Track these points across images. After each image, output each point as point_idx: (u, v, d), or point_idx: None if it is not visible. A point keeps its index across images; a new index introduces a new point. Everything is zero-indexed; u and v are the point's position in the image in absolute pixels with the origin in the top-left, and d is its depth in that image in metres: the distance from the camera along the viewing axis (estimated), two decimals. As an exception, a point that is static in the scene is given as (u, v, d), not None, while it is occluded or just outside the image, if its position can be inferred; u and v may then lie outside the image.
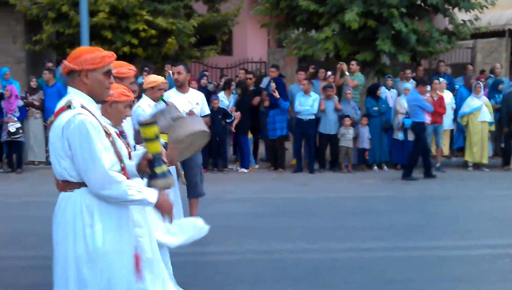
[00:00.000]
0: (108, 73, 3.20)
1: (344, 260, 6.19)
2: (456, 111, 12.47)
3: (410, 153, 11.21)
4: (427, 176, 10.99)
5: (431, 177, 11.00)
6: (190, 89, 7.12)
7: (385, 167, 12.02)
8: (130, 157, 3.51)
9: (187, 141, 5.26)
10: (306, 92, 11.37)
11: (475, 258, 6.30)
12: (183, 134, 5.21)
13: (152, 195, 3.25)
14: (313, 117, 11.42)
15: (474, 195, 9.85)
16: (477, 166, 12.08)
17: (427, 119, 11.29)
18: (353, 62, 12.29)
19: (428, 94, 11.37)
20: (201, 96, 7.11)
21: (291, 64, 15.90)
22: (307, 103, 11.35)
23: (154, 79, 6.04)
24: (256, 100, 12.03)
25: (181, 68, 6.88)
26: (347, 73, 12.11)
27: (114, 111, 3.95)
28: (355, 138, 11.65)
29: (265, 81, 13.15)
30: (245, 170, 11.70)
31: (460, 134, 12.58)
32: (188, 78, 7.02)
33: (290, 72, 15.13)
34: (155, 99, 5.96)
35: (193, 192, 7.06)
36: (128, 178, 3.23)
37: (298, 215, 8.28)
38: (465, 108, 12.03)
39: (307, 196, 9.60)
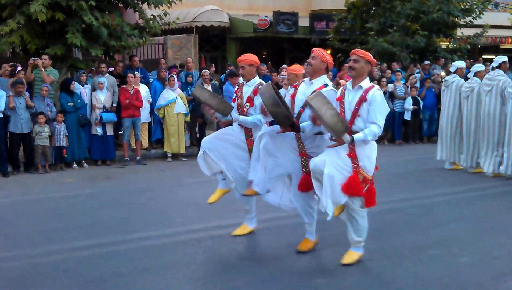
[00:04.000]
0: None
1: (48, 264, 5.74)
2: (152, 104, 12.69)
3: None
4: None
5: None
6: None
7: (85, 164, 11.62)
8: None
9: None
10: (-10, 90, 10.37)
11: (181, 244, 6.40)
12: None
13: None
14: (1, 115, 10.44)
15: (175, 184, 10.09)
16: (176, 156, 12.45)
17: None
18: (45, 57, 11.58)
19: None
20: None
21: (-26, 60, 14.35)
22: (-7, 101, 10.34)
23: None
24: None
25: None
26: (42, 68, 11.37)
27: None
28: (51, 136, 11.00)
29: None
30: None
31: (157, 126, 12.83)
32: None
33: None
34: None
35: None
36: None
37: (-9, 223, 7.46)
38: (161, 101, 12.31)
39: (1, 201, 8.72)
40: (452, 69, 11.39)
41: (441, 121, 11.30)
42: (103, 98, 11.83)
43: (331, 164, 5.31)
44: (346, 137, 5.26)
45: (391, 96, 15.01)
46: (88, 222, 7.39)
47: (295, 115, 5.89)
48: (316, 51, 5.95)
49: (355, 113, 5.41)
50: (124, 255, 6.03)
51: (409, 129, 15.44)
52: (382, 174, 10.70)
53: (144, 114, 12.41)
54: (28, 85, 11.34)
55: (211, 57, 20.85)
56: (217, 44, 22.15)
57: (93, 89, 12.07)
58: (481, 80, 10.50)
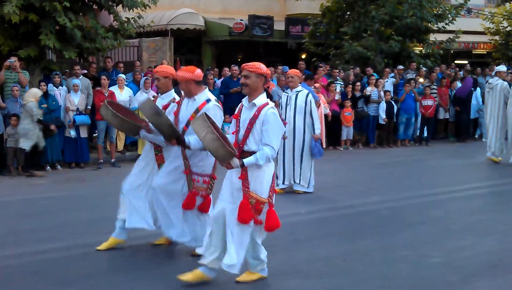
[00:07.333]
0: None
1: (18, 266, 5.70)
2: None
3: None
4: None
5: None
6: None
7: (58, 167, 11.52)
8: None
9: None
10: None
11: (154, 246, 6.37)
12: None
13: None
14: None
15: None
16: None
17: None
18: (15, 58, 11.45)
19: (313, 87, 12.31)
20: None
21: None
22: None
23: None
24: None
25: None
26: (20, 70, 11.29)
27: None
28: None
29: None
30: None
31: (132, 129, 12.74)
32: None
33: None
34: None
35: None
36: None
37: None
38: (135, 103, 12.23)
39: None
40: (493, 73, 12.78)
41: (486, 120, 12.48)
42: (77, 100, 11.74)
43: (230, 213, 4.99)
44: (235, 162, 4.89)
45: (366, 100, 15.14)
46: (59, 224, 7.33)
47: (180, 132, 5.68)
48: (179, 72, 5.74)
49: (248, 133, 5.03)
50: (95, 256, 6.00)
51: (383, 132, 15.59)
52: (356, 177, 10.89)
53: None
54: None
55: (187, 60, 20.82)
56: (192, 47, 22.13)
57: (68, 91, 11.97)
58: None
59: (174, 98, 6.02)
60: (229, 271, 5.02)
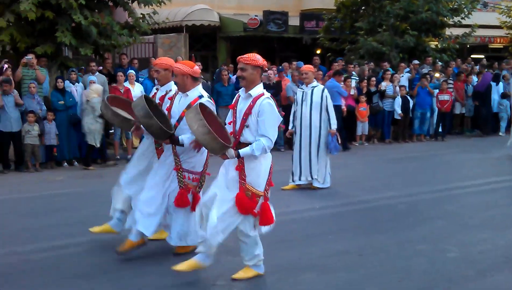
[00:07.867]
0: None
1: (37, 261, 5.79)
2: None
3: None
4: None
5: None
6: None
7: (75, 163, 11.61)
8: None
9: None
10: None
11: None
12: None
13: None
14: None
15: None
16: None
17: (343, 102, 13.20)
18: (31, 55, 11.57)
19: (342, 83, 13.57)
20: None
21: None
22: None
23: None
24: None
25: None
26: (37, 67, 11.41)
27: None
28: (41, 135, 11.00)
29: None
30: None
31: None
32: None
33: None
34: None
35: None
36: None
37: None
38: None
39: (-10, 200, 8.73)
40: None
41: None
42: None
43: (221, 197, 4.95)
44: (230, 152, 4.85)
45: (381, 95, 15.08)
46: (77, 220, 7.40)
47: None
48: (176, 66, 5.70)
49: (243, 124, 4.99)
50: (112, 252, 6.05)
51: (399, 127, 15.53)
52: (372, 172, 10.88)
53: (134, 113, 12.42)
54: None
55: (202, 56, 20.87)
56: (207, 43, 22.17)
57: (85, 87, 12.05)
58: None
59: (171, 90, 5.98)
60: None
